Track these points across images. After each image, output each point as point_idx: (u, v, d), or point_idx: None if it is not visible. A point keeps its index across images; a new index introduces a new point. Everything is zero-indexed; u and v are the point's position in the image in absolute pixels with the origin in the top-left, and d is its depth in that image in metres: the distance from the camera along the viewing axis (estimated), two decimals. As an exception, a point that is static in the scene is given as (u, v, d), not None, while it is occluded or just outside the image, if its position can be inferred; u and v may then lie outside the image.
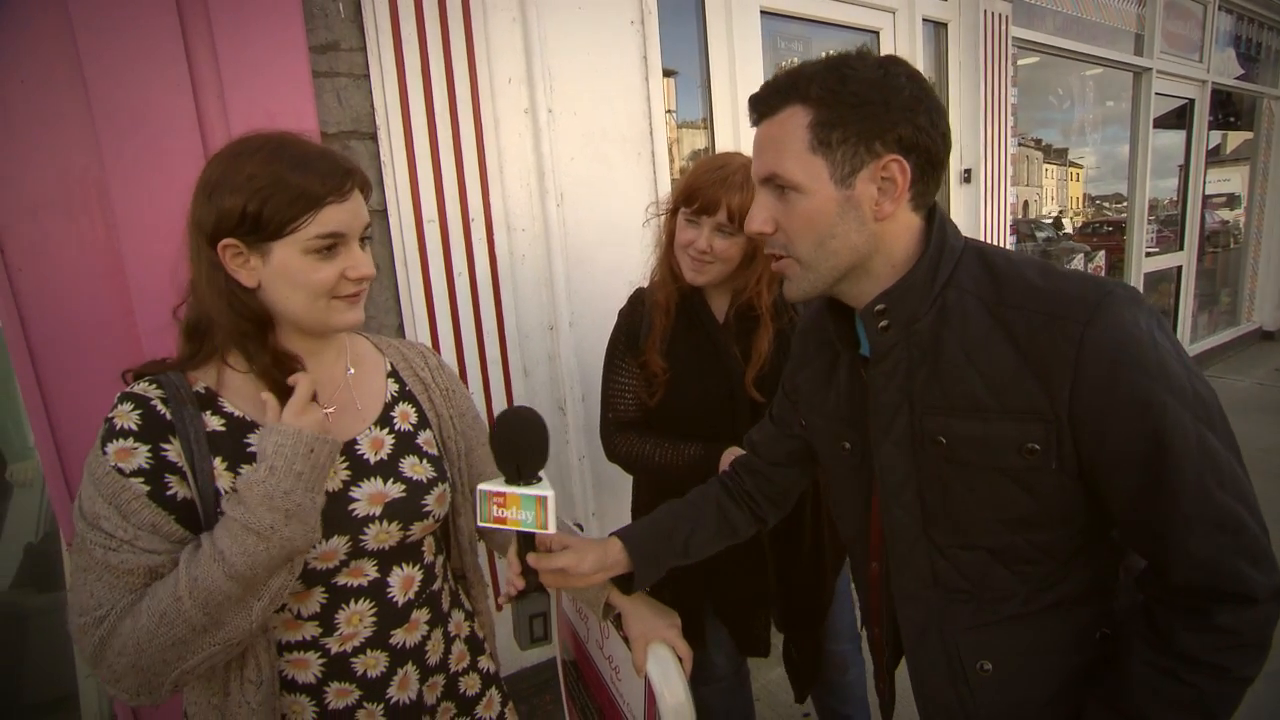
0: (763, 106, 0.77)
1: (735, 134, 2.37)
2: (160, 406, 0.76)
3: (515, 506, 0.80)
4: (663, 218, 1.41)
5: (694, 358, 1.37)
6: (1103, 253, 5.03)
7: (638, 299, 1.46)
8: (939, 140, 0.74)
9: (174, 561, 0.73)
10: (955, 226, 0.79)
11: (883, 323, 0.77)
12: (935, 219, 0.77)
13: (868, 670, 1.61)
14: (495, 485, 0.81)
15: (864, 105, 0.71)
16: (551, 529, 0.81)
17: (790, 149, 0.74)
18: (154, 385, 0.78)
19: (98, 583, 0.71)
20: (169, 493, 0.74)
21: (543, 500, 0.80)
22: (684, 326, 1.38)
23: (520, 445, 0.82)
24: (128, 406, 0.75)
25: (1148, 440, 0.66)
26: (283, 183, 0.74)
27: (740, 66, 2.34)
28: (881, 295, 0.76)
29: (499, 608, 0.91)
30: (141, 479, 0.73)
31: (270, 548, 0.71)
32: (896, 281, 0.76)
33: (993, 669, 0.81)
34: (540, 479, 0.82)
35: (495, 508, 0.81)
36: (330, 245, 0.77)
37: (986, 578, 0.79)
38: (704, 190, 1.27)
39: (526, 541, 0.85)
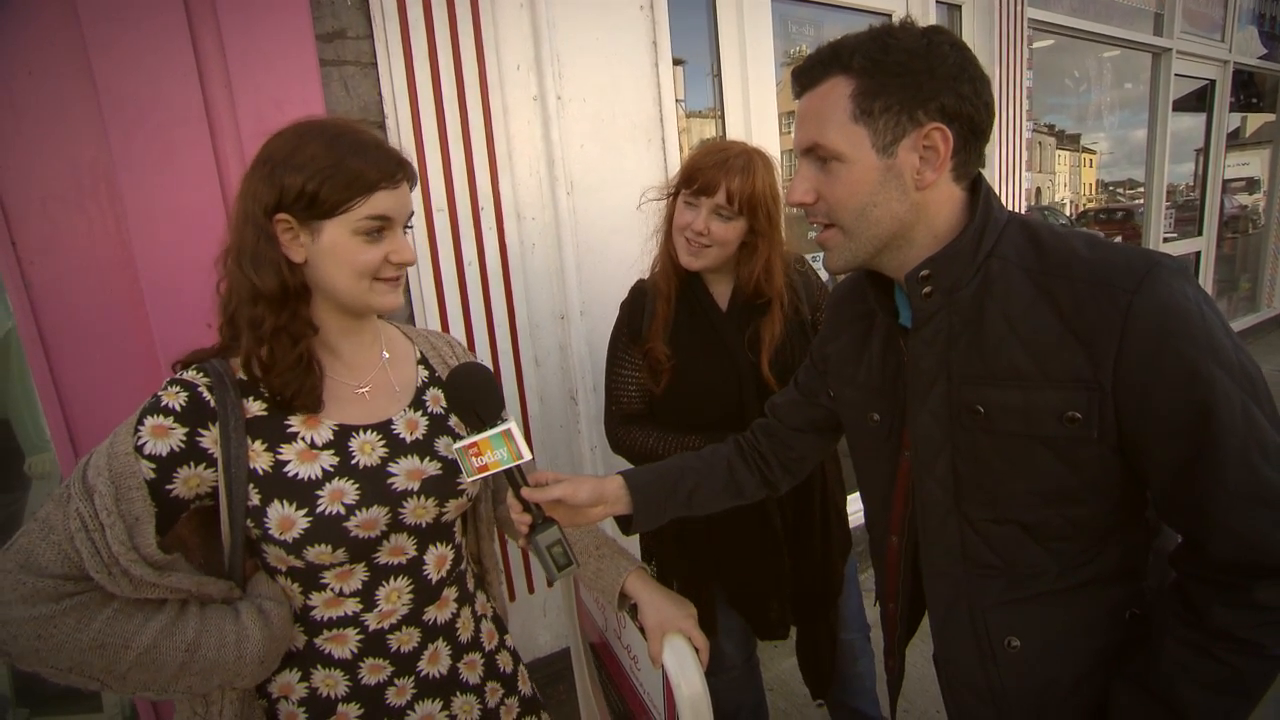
0: (805, 78, 0.77)
1: (746, 122, 2.33)
2: (205, 393, 0.80)
3: (489, 450, 0.84)
4: (663, 203, 1.41)
5: (698, 345, 1.37)
6: (1119, 239, 4.95)
7: (638, 290, 1.46)
8: (982, 110, 0.73)
9: (103, 594, 0.73)
10: (999, 199, 0.79)
11: (926, 289, 0.77)
12: (981, 190, 0.77)
13: (876, 660, 1.61)
14: (466, 439, 0.85)
15: (907, 74, 0.71)
16: (527, 455, 0.85)
17: (832, 119, 0.74)
18: (201, 373, 0.81)
19: (53, 550, 0.71)
20: (168, 487, 0.77)
21: (507, 432, 0.84)
22: (686, 314, 1.38)
23: (470, 395, 0.87)
24: (176, 389, 0.79)
25: (1194, 411, 0.65)
26: (342, 166, 0.78)
27: (751, 52, 2.30)
28: (926, 261, 0.76)
29: (523, 549, 0.95)
30: (153, 464, 0.75)
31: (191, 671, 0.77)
32: (942, 249, 0.76)
33: (1021, 646, 0.80)
34: (503, 418, 0.86)
35: (473, 458, 0.84)
36: (378, 229, 0.81)
37: (1018, 553, 0.78)
38: (704, 171, 1.28)
39: (517, 478, 0.88)
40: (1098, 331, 0.67)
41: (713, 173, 1.26)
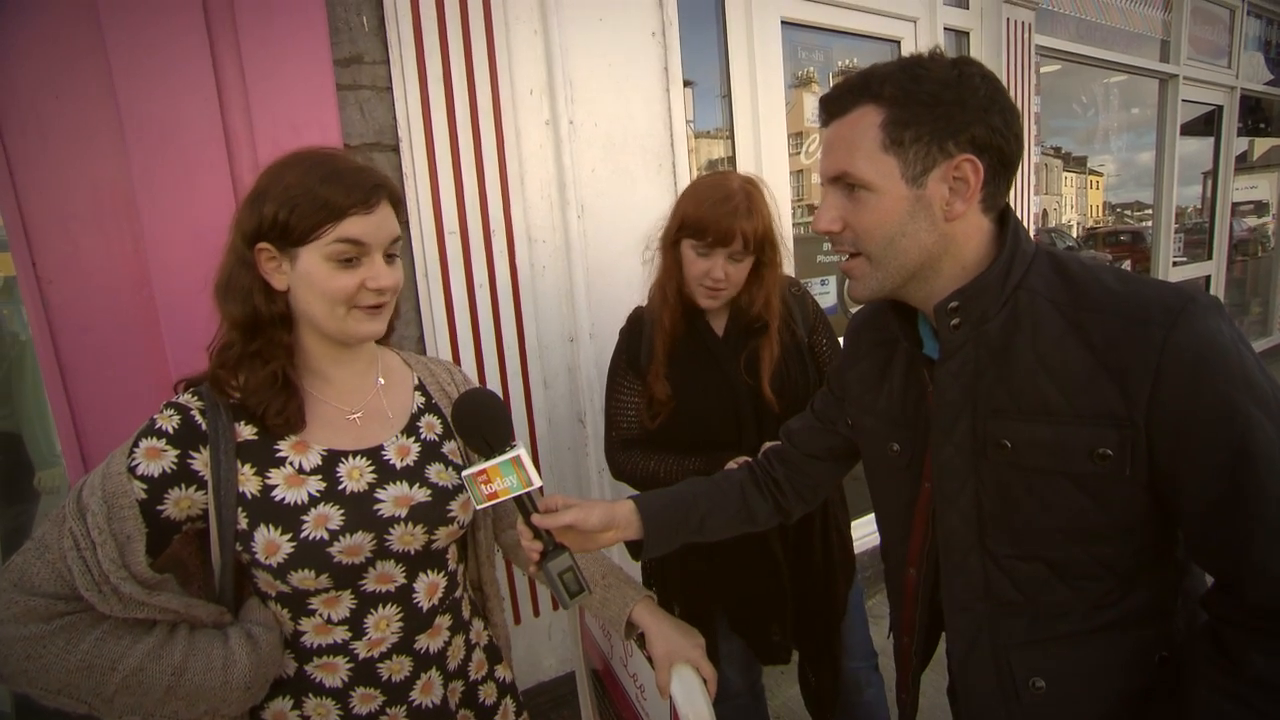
0: (834, 106, 0.77)
1: (755, 144, 2.35)
2: (198, 416, 0.81)
3: (499, 477, 0.84)
4: (660, 240, 1.40)
5: (696, 371, 1.37)
6: (1128, 262, 4.94)
7: (637, 319, 1.47)
8: (1012, 141, 0.73)
9: (93, 615, 0.74)
10: (1027, 231, 0.79)
11: (954, 320, 0.76)
12: (1010, 222, 0.77)
13: (887, 686, 1.58)
14: (475, 466, 0.84)
15: (938, 105, 0.71)
16: (537, 482, 0.84)
17: (861, 148, 0.74)
18: (195, 397, 0.83)
19: (47, 569, 0.72)
20: (159, 508, 0.77)
21: (517, 459, 0.84)
22: (685, 343, 1.39)
23: (479, 422, 0.87)
24: (169, 412, 0.81)
25: (1230, 451, 0.64)
26: (311, 193, 0.79)
27: (761, 76, 2.33)
28: (956, 293, 0.76)
29: (531, 576, 0.94)
30: (144, 485, 0.76)
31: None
32: (971, 280, 0.75)
33: (1045, 687, 0.78)
34: (512, 445, 0.85)
35: (483, 486, 0.84)
36: (351, 255, 0.81)
37: (1043, 591, 0.77)
38: (716, 223, 1.27)
39: (527, 505, 0.87)
40: (1131, 367, 0.66)
41: (726, 223, 1.25)
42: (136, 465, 0.77)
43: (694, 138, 2.35)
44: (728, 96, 2.35)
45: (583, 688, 1.35)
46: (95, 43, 1.28)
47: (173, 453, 0.78)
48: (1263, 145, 6.00)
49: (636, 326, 1.45)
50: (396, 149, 1.63)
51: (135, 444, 0.78)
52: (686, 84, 2.17)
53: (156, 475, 0.77)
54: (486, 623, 1.07)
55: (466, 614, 1.00)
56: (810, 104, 2.63)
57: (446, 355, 1.72)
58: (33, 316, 1.33)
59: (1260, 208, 6.15)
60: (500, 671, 1.06)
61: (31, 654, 0.70)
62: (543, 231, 1.85)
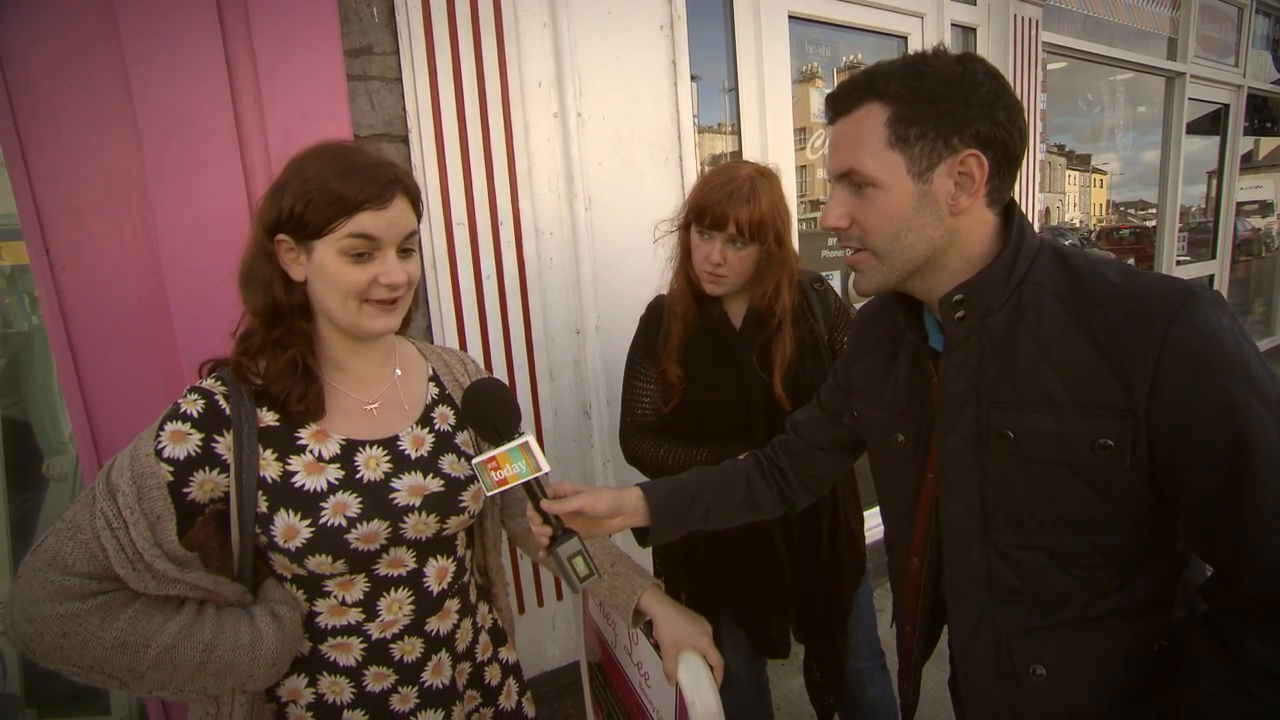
0: (839, 104, 0.78)
1: (762, 138, 2.36)
2: (222, 401, 0.83)
3: (508, 464, 0.85)
4: (676, 230, 1.42)
5: (710, 363, 1.38)
6: (1131, 260, 4.94)
7: (657, 306, 1.48)
8: (1016, 136, 0.74)
9: (126, 594, 0.76)
10: (1032, 225, 0.80)
11: (959, 313, 0.77)
12: (1015, 216, 0.78)
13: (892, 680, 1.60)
14: (484, 454, 0.86)
15: (942, 101, 0.72)
16: (545, 467, 0.86)
17: (868, 145, 0.75)
18: (219, 381, 0.84)
19: (80, 549, 0.74)
20: (185, 490, 0.79)
21: (525, 445, 0.86)
22: (701, 333, 1.39)
23: (488, 411, 0.89)
24: (194, 396, 0.83)
25: (1230, 442, 0.65)
26: (326, 187, 0.80)
27: (768, 71, 2.33)
28: (961, 285, 0.77)
29: (538, 562, 0.95)
30: (171, 467, 0.78)
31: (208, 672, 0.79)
32: (976, 273, 0.77)
33: (1045, 674, 0.80)
34: (520, 432, 0.87)
35: (492, 472, 0.85)
36: (364, 250, 0.82)
37: (1045, 580, 0.78)
38: (712, 206, 1.28)
39: (536, 491, 0.89)
40: (1132, 360, 0.67)
41: (721, 206, 1.27)
42: (163, 448, 0.78)
43: (699, 132, 2.35)
44: (734, 91, 2.35)
45: (586, 679, 1.36)
46: (109, 32, 1.29)
47: (197, 436, 0.80)
48: (1268, 145, 5.99)
49: (656, 313, 1.46)
50: (405, 140, 1.64)
51: (160, 427, 0.80)
52: (693, 78, 2.17)
53: (182, 458, 0.79)
54: (491, 606, 1.09)
55: (473, 598, 1.03)
56: (815, 99, 2.63)
57: (454, 346, 1.73)
58: (45, 303, 1.34)
59: (1265, 207, 6.14)
60: (504, 653, 1.09)
61: (68, 631, 0.72)
62: (550, 224, 1.85)
